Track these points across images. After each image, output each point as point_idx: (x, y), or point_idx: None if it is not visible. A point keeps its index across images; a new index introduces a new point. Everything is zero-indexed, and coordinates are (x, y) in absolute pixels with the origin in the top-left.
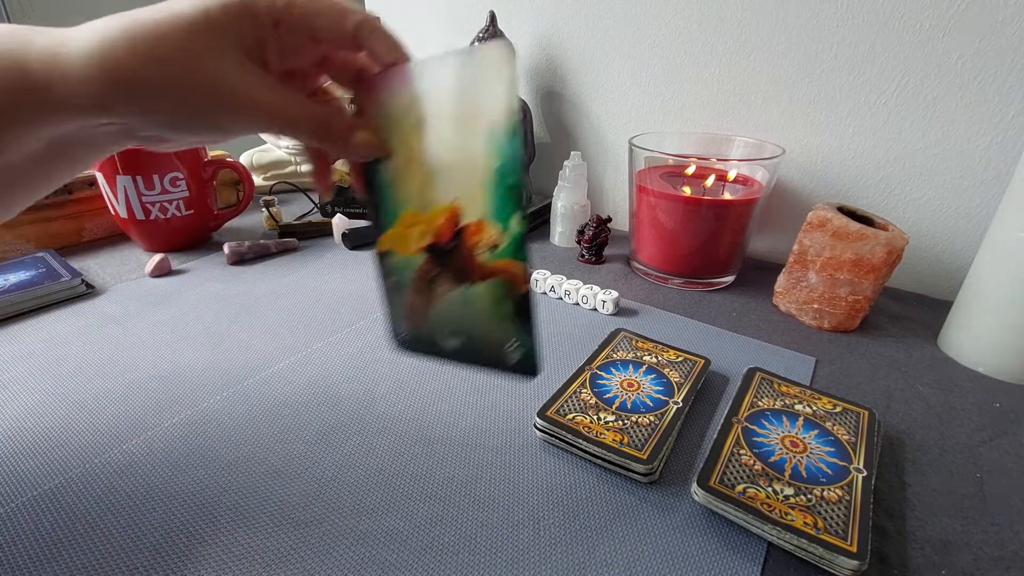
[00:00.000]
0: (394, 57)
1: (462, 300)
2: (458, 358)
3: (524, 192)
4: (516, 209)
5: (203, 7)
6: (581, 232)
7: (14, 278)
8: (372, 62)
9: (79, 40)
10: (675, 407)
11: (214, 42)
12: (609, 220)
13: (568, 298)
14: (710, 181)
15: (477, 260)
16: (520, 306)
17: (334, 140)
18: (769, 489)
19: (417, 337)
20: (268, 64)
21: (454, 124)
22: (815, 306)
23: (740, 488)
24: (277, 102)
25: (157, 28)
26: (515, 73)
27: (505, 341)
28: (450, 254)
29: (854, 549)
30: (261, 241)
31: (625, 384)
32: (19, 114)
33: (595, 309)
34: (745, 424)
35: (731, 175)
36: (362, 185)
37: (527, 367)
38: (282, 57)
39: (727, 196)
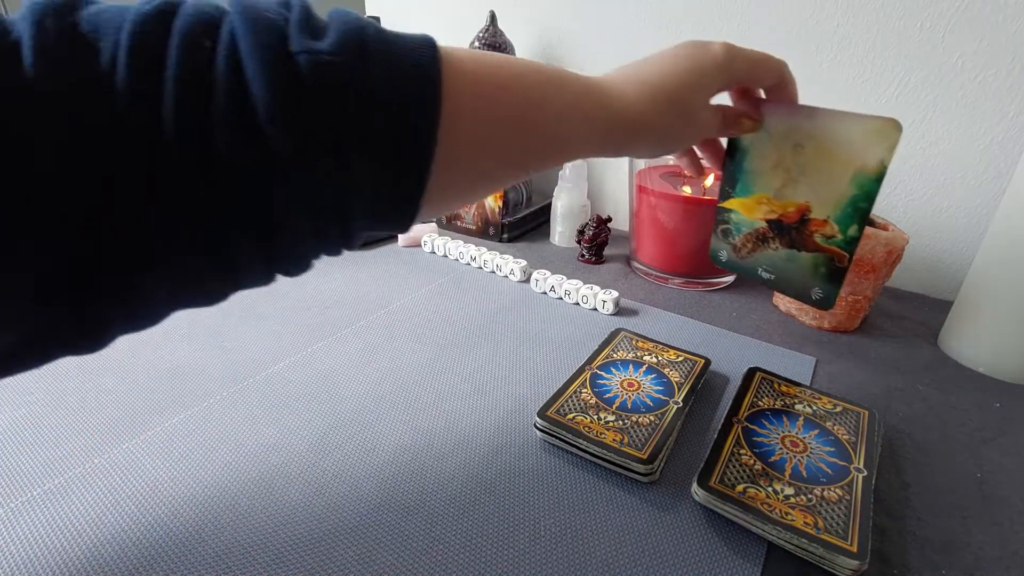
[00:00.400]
0: (789, 97)
1: (788, 256)
2: (767, 284)
3: (869, 212)
4: (855, 223)
5: (699, 72)
6: (581, 232)
7: None
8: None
9: (629, 94)
10: (675, 407)
11: (704, 97)
12: (609, 220)
13: (568, 298)
14: (710, 181)
15: (813, 240)
16: (833, 272)
17: (731, 127)
18: (769, 489)
19: (735, 263)
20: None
21: (829, 158)
22: None
23: (740, 488)
24: (717, 122)
25: (682, 88)
26: (897, 144)
27: (812, 287)
28: (789, 230)
29: (854, 549)
30: None
31: (625, 384)
32: (605, 145)
33: (595, 309)
34: (745, 424)
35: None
36: (721, 163)
37: (824, 305)
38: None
39: None
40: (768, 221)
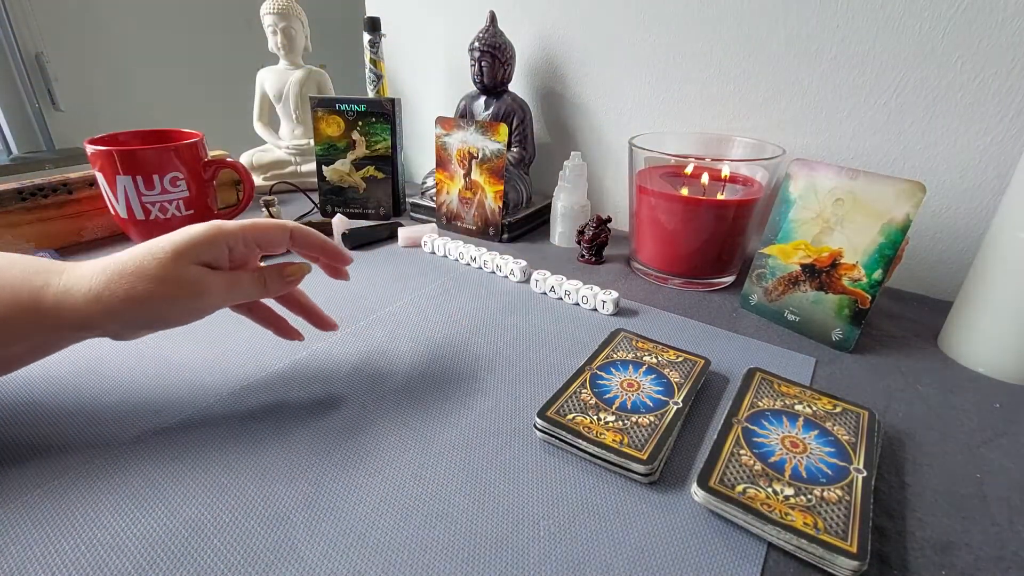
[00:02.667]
0: (321, 245)
1: (815, 299)
2: (791, 327)
3: (893, 258)
4: (881, 267)
5: (172, 248)
6: (581, 232)
7: None
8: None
9: (86, 282)
10: (675, 407)
11: (181, 267)
12: (609, 220)
13: (568, 298)
14: (709, 181)
15: (841, 283)
16: (856, 313)
17: (270, 287)
18: (769, 489)
19: (764, 306)
20: (221, 265)
21: (864, 211)
22: None
23: (740, 488)
24: (227, 281)
25: (142, 266)
26: (921, 202)
27: (834, 328)
28: (820, 273)
29: (854, 549)
30: None
31: (625, 384)
32: (31, 333)
33: (595, 309)
34: (745, 424)
35: (727, 173)
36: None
37: (843, 346)
38: (235, 259)
39: (726, 196)
40: (802, 265)
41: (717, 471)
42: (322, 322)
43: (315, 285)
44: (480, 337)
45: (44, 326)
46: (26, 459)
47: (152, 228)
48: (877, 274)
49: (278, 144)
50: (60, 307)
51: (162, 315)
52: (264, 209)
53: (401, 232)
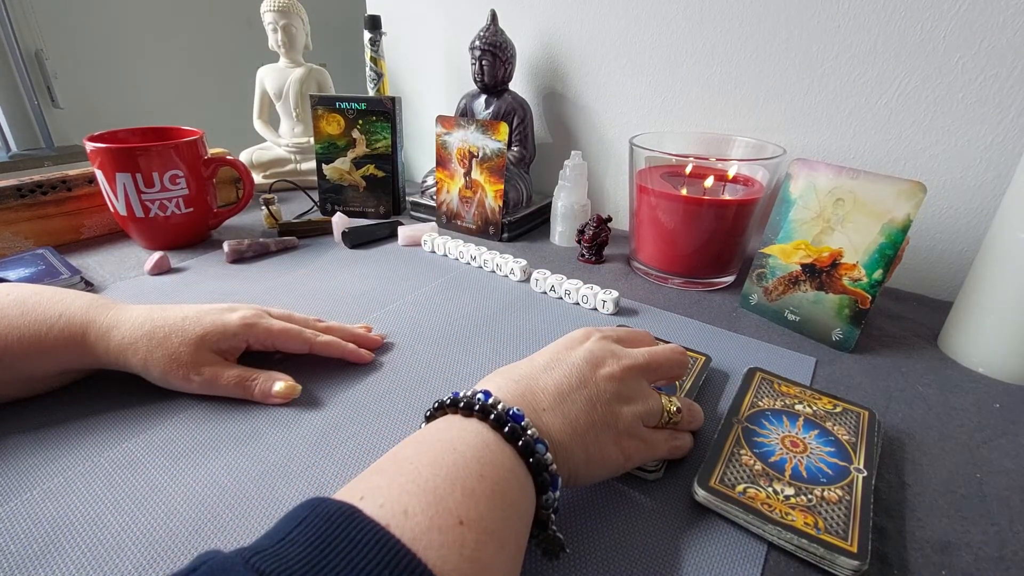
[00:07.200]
0: (340, 354)
1: (815, 298)
2: (791, 327)
3: (893, 258)
4: (881, 267)
5: (199, 337)
6: (581, 231)
7: (13, 275)
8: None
9: (122, 330)
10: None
11: (195, 354)
12: (609, 220)
13: (568, 298)
14: (710, 181)
15: (841, 283)
16: (856, 313)
17: (247, 391)
18: (769, 489)
19: (763, 306)
20: (226, 355)
21: (865, 211)
22: None
23: (740, 488)
24: (219, 372)
25: (168, 338)
26: (922, 202)
27: (834, 328)
28: (820, 273)
29: (854, 549)
30: (261, 239)
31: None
32: (73, 363)
33: (595, 309)
34: (745, 424)
35: (731, 174)
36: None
37: (843, 346)
38: (252, 348)
39: (727, 196)
40: (802, 265)
41: (717, 471)
42: (360, 356)
43: (314, 280)
44: (480, 336)
45: (83, 360)
46: (26, 459)
47: (152, 226)
48: (877, 274)
49: (278, 142)
50: (96, 345)
51: (163, 380)
52: (264, 207)
53: (401, 231)
